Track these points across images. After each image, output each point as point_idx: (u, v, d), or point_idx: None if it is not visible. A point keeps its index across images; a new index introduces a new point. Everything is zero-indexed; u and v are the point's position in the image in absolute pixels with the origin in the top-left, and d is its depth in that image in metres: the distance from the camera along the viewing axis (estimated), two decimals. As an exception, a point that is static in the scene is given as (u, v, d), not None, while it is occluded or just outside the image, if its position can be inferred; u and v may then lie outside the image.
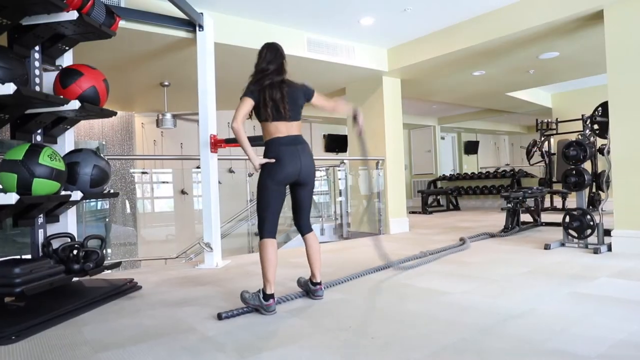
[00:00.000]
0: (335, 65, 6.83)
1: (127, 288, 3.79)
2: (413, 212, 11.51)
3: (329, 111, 3.57)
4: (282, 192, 3.19)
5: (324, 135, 13.44)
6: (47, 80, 3.56)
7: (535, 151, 10.03)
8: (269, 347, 2.43)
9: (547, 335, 2.45)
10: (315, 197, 8.47)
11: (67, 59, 3.80)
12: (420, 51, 6.85)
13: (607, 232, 5.08)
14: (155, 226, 9.87)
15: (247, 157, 3.12)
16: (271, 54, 3.23)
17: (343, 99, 3.59)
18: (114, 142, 10.02)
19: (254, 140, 3.25)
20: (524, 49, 6.65)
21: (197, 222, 9.09)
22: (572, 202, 9.46)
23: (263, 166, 3.16)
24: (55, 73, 3.55)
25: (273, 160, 3.11)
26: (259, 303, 3.05)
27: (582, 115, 7.51)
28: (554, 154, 9.95)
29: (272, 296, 3.05)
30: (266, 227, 3.15)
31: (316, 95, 3.35)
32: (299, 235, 3.53)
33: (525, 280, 3.78)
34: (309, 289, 3.42)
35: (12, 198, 2.88)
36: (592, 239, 5.14)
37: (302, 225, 3.38)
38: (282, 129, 3.15)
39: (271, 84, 3.13)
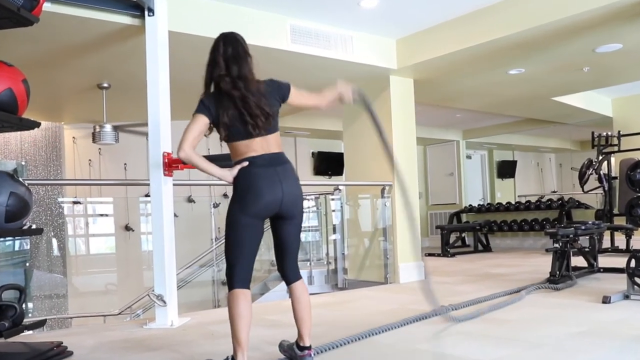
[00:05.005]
0: (328, 61, 6.84)
1: (54, 354, 3.76)
2: (430, 254, 11.52)
3: (314, 109, 3.53)
4: (258, 228, 3.19)
5: (313, 154, 13.47)
6: (-51, 81, 3.57)
7: (591, 174, 10.10)
8: None
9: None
10: (301, 235, 8.40)
11: (-25, 53, 3.82)
12: (440, 42, 6.89)
13: (686, 281, 5.11)
14: (91, 273, 9.79)
15: (213, 181, 3.13)
16: (230, 49, 3.18)
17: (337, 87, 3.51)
18: (37, 162, 10.00)
19: (220, 160, 3.24)
20: (576, 40, 6.68)
21: (146, 267, 9.02)
22: (639, 241, 9.51)
23: (233, 196, 3.16)
24: (-40, 71, 3.56)
25: (246, 164, 3.10)
26: (228, 375, 3.04)
27: (652, 127, 7.60)
28: (615, 177, 10.01)
29: (244, 365, 3.04)
30: (237, 274, 3.15)
31: (294, 91, 3.34)
32: (281, 285, 3.54)
33: (578, 343, 3.79)
34: (295, 354, 3.40)
35: None
36: (666, 289, 5.17)
37: (288, 272, 3.36)
38: (256, 146, 3.15)
39: (233, 91, 3.08)
